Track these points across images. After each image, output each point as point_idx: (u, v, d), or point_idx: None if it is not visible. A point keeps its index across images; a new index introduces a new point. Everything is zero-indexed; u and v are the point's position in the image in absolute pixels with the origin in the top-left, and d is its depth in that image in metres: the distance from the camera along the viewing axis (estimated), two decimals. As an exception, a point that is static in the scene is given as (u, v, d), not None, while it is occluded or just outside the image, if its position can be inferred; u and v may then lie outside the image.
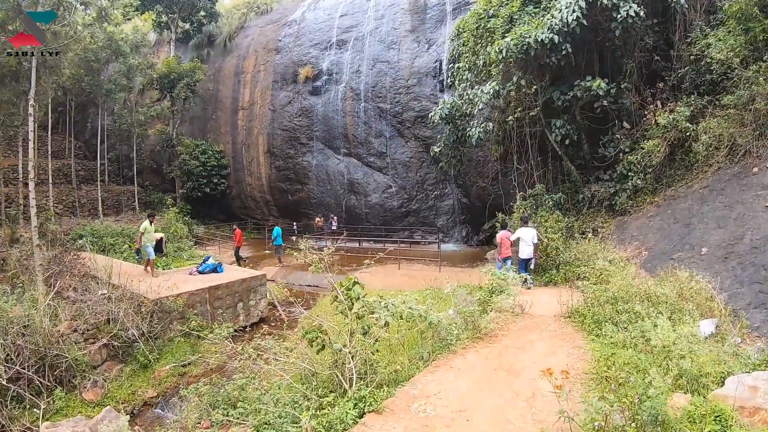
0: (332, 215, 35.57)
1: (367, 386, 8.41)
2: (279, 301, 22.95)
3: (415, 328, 11.52)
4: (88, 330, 14.77)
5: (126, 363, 15.13)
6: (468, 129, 24.05)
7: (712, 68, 19.23)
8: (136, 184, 40.14)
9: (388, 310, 9.34)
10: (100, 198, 36.76)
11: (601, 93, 19.94)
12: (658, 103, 20.57)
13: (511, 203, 22.54)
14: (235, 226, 29.06)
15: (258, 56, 39.56)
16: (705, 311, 11.37)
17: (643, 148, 19.91)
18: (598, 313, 12.45)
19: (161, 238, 25.72)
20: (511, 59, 20.56)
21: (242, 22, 43.10)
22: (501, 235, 18.82)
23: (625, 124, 21.26)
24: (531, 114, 21.54)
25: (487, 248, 28.89)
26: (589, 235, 19.72)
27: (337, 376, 8.74)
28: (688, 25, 21.11)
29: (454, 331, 11.58)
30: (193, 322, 16.35)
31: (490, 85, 21.72)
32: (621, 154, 21.03)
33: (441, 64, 31.62)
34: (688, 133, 18.86)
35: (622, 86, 20.83)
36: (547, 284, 18.62)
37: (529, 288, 17.04)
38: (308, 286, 25.31)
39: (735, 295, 11.95)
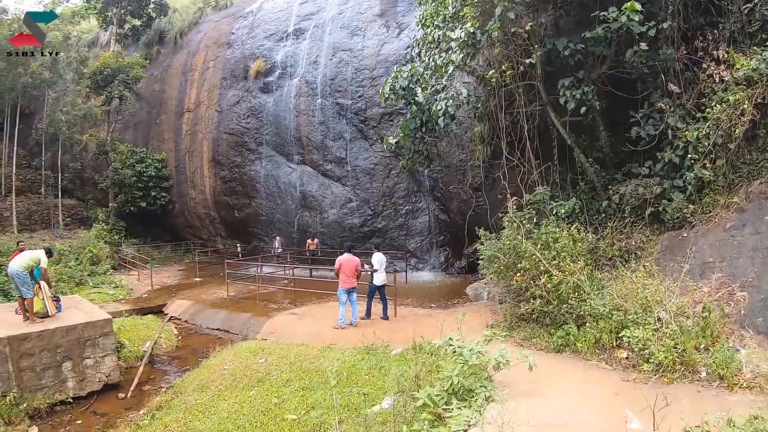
0: (276, 236, 26.89)
1: None
2: (161, 351, 15.58)
3: None
4: None
5: None
6: (434, 104, 15.02)
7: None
8: (60, 196, 31.77)
9: None
10: (14, 210, 28.63)
11: (636, 29, 11.42)
12: (722, 53, 11.92)
13: (500, 214, 13.73)
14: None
15: (208, 51, 31.27)
16: None
17: (706, 117, 11.28)
18: None
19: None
20: (493, -16, 11.99)
21: (197, 17, 34.89)
22: (341, 260, 13.91)
23: (672, 87, 12.47)
24: (528, 62, 12.76)
25: (471, 277, 20.16)
26: (634, 264, 10.80)
27: None
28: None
29: None
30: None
31: (462, 27, 12.88)
32: (669, 132, 12.25)
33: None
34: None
35: (664, 27, 12.03)
36: (560, 350, 9.77)
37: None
38: (217, 329, 17.12)
39: None
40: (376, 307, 15.01)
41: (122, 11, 33.42)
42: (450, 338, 7.51)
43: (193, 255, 29.51)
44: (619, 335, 8.71)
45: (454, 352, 7.19)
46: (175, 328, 17.62)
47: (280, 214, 27.00)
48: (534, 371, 7.23)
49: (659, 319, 8.18)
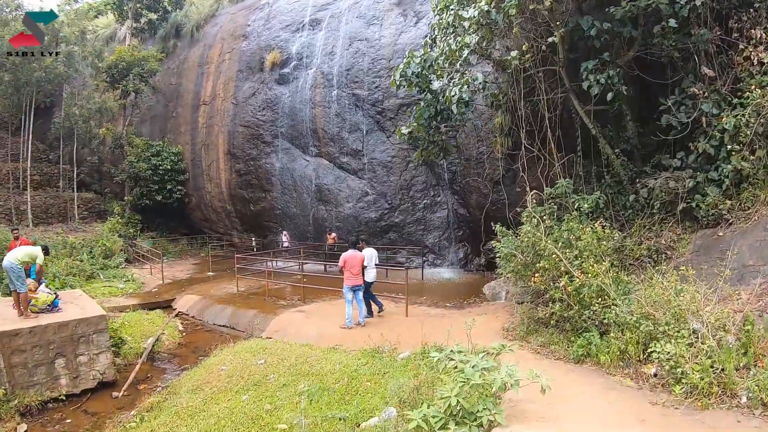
0: (283, 230, 26.27)
1: None
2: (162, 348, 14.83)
3: None
4: None
5: None
6: (448, 90, 13.88)
7: None
8: (77, 189, 31.34)
9: None
10: (29, 203, 28.10)
11: (666, 11, 10.30)
12: (759, 33, 10.75)
13: (518, 209, 12.71)
14: None
15: (224, 44, 30.55)
16: None
17: (743, 104, 10.16)
18: None
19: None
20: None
21: (213, 10, 34.15)
22: (346, 256, 12.99)
23: (706, 70, 11.27)
24: (549, 41, 11.65)
25: (490, 275, 19.07)
26: (665, 266, 9.66)
27: None
28: None
29: None
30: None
31: (476, 6, 11.81)
32: (702, 120, 11.06)
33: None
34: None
35: (697, 4, 10.81)
36: (580, 360, 8.75)
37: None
38: (223, 326, 16.43)
39: None
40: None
41: (138, 5, 33.00)
42: (452, 350, 6.53)
43: (209, 249, 28.92)
44: (648, 348, 7.67)
45: (455, 367, 6.22)
46: (181, 324, 16.97)
47: (296, 207, 26.19)
48: (550, 388, 6.27)
49: (694, 332, 7.09)
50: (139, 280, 22.71)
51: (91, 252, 24.32)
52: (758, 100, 9.90)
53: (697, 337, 7.00)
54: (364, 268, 13.24)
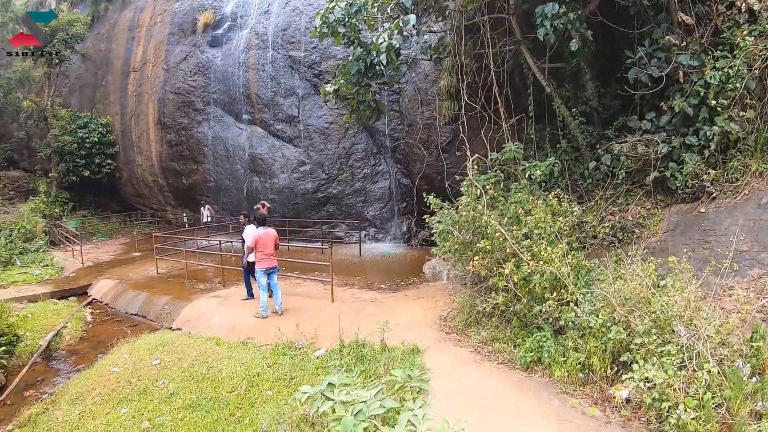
0: (204, 204, 23.45)
1: None
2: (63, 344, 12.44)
3: None
4: None
5: None
6: (376, 37, 11.24)
7: None
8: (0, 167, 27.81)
9: None
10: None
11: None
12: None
13: (457, 176, 10.43)
14: None
15: (156, 5, 26.99)
16: None
17: (727, 56, 8.00)
18: None
19: None
20: None
21: (147, -32, 30.35)
22: (258, 234, 10.81)
23: (683, 17, 9.00)
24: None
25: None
26: (635, 248, 7.28)
27: None
28: None
29: None
30: None
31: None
32: (680, 74, 8.79)
33: (376, -4, 19.29)
34: None
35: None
36: (529, 367, 6.55)
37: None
38: (135, 314, 13.88)
39: None
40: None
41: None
42: (330, 383, 4.16)
43: (139, 227, 25.91)
44: (617, 358, 5.51)
45: (333, 411, 3.88)
46: (91, 314, 14.25)
47: (229, 179, 23.34)
48: (485, 417, 4.01)
49: (687, 349, 4.87)
50: (59, 264, 19.67)
51: (10, 235, 21.24)
52: (750, 49, 7.67)
53: (690, 357, 4.80)
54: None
